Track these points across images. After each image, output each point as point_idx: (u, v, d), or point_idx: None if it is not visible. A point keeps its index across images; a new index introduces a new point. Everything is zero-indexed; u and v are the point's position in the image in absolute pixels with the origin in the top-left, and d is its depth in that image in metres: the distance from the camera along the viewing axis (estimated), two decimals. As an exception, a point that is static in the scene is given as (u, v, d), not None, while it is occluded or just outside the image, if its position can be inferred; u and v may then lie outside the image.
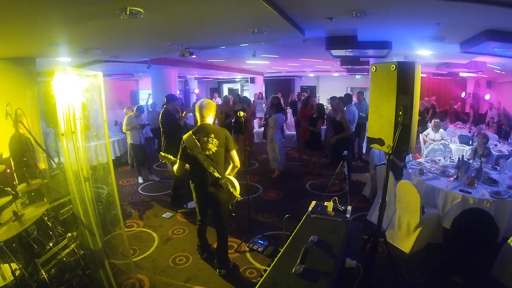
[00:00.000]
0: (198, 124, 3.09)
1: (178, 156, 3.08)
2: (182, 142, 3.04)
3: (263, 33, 3.89)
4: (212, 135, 2.99)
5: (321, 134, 6.59)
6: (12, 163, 3.86)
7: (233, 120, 7.23)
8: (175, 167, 3.13)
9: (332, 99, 6.96)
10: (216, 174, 2.97)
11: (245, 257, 3.57)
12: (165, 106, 5.09)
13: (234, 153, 3.11)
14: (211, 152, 2.97)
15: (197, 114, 3.08)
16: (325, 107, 8.80)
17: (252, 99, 11.62)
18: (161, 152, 3.29)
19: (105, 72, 8.60)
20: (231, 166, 3.19)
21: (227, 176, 3.15)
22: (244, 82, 19.52)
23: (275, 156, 6.27)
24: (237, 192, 3.16)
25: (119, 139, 7.42)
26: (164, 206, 5.01)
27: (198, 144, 2.95)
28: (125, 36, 3.92)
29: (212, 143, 2.98)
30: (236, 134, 7.58)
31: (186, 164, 3.09)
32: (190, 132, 3.03)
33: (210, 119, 3.10)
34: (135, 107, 6.42)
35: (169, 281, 3.16)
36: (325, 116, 6.84)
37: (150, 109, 8.54)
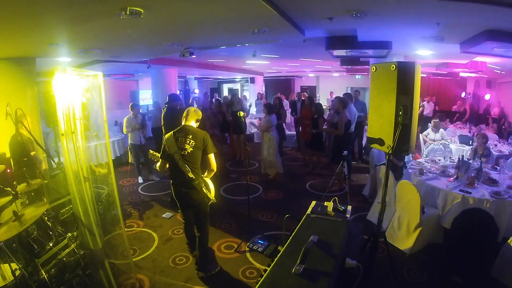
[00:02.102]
0: (182, 125, 3.15)
1: (160, 154, 3.15)
2: (163, 141, 3.10)
3: (263, 33, 3.89)
4: (190, 136, 3.02)
5: (322, 134, 6.59)
6: (12, 163, 3.86)
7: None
8: (158, 164, 3.23)
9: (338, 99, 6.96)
10: (190, 175, 2.96)
11: (245, 257, 3.57)
12: (166, 105, 5.08)
13: (211, 156, 3.13)
14: (186, 152, 2.98)
15: (183, 117, 3.16)
16: (324, 107, 8.83)
17: (254, 99, 11.63)
18: (150, 150, 3.37)
19: (105, 72, 8.60)
20: (208, 169, 3.21)
21: (204, 178, 3.15)
22: (244, 82, 19.52)
23: (271, 160, 5.95)
24: (211, 195, 3.17)
25: (119, 139, 7.42)
26: (164, 206, 5.01)
27: (176, 143, 3.01)
28: (125, 36, 3.92)
29: (188, 144, 3.00)
30: (236, 135, 7.61)
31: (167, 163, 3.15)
32: (172, 131, 3.09)
33: (193, 123, 3.17)
34: (130, 106, 6.21)
35: (169, 281, 3.16)
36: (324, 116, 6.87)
37: (152, 108, 8.54)
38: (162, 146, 3.11)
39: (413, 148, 2.34)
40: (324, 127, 6.15)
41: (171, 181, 3.17)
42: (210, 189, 3.19)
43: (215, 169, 3.20)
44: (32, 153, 3.60)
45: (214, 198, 3.21)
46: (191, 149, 2.99)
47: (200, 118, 3.23)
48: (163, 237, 4.05)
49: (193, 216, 3.23)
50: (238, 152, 7.72)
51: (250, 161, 7.30)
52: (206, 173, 3.22)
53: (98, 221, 2.79)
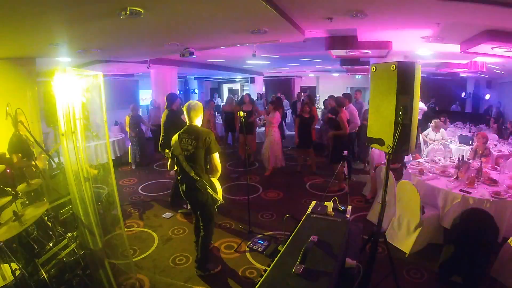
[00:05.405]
0: (187, 125, 3.13)
1: (170, 154, 3.18)
2: (171, 142, 3.12)
3: (263, 33, 3.89)
4: (193, 136, 3.01)
5: (311, 133, 6.64)
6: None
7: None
8: (169, 162, 3.26)
9: (331, 98, 6.99)
10: (194, 176, 2.96)
11: (245, 257, 3.57)
12: (167, 107, 5.06)
13: (215, 156, 3.07)
14: (189, 153, 2.99)
15: (185, 116, 3.12)
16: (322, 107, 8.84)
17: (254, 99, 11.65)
18: (166, 149, 3.37)
19: (105, 72, 8.60)
20: (212, 170, 3.16)
21: (210, 178, 3.13)
22: (244, 82, 19.51)
23: (277, 155, 6.35)
24: (218, 195, 3.14)
25: (119, 139, 7.43)
26: (164, 206, 5.01)
27: (180, 144, 3.03)
28: (125, 36, 3.92)
29: (191, 144, 3.00)
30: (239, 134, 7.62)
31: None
32: (178, 132, 3.10)
33: (198, 120, 3.13)
34: (131, 107, 6.27)
35: (169, 281, 3.16)
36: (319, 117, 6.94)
37: (151, 107, 8.58)
38: (171, 146, 3.13)
39: (413, 148, 2.34)
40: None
41: (179, 183, 3.16)
42: (217, 190, 3.16)
43: (219, 169, 3.16)
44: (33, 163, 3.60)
45: (221, 199, 3.18)
46: (193, 149, 2.98)
47: (201, 112, 3.13)
48: (163, 237, 4.05)
49: (199, 216, 3.22)
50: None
51: (252, 161, 7.31)
52: (211, 174, 3.18)
53: (98, 221, 2.79)
